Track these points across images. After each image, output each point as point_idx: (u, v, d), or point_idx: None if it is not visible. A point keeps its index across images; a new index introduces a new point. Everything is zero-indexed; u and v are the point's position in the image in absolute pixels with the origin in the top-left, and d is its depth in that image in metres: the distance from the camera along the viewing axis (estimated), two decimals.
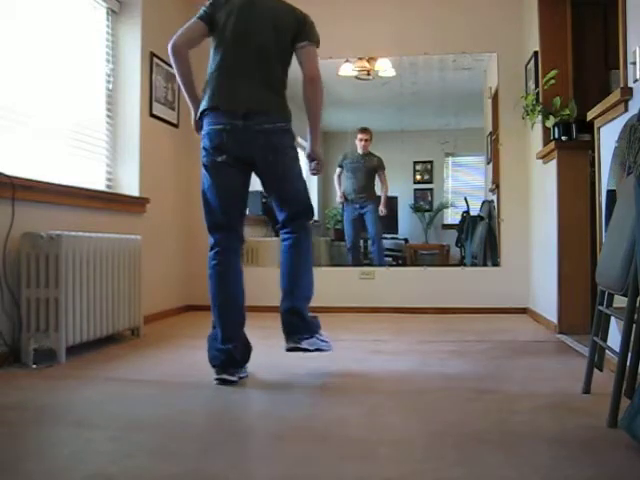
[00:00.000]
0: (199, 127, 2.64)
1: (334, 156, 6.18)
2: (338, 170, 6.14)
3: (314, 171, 2.84)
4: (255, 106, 2.54)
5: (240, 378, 2.53)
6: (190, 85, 2.67)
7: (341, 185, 6.13)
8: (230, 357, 2.49)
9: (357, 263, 5.96)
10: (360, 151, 6.08)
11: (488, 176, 5.78)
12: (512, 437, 1.83)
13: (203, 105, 2.58)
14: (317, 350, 2.63)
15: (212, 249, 2.59)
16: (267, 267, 5.26)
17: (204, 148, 2.57)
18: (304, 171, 2.77)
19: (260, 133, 2.52)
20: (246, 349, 2.59)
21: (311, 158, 2.80)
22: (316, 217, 5.55)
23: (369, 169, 6.10)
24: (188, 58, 2.61)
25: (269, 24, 2.61)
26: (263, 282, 5.02)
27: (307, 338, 2.60)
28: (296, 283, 2.66)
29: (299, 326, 2.62)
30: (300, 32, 2.64)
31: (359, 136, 6.06)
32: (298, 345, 2.60)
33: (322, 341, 2.66)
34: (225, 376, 2.47)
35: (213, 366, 2.52)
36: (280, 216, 2.71)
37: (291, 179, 2.67)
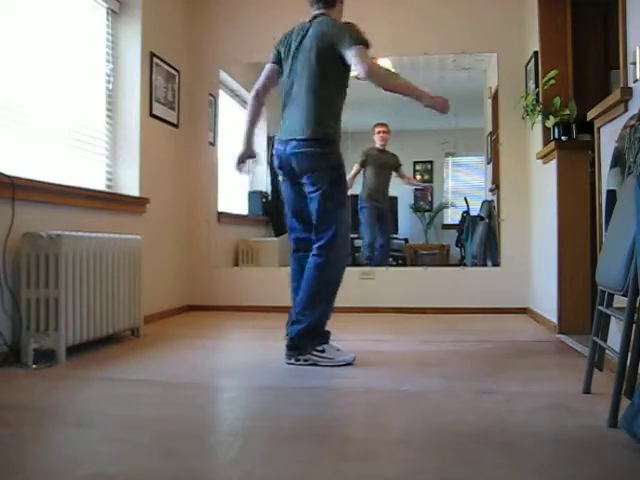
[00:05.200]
0: (240, 162, 3.05)
1: None
2: (356, 167, 5.88)
3: (438, 109, 2.87)
4: (289, 133, 2.82)
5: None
6: (253, 123, 3.06)
7: (364, 183, 5.95)
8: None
9: (370, 262, 5.89)
10: (379, 145, 5.99)
11: (488, 176, 5.78)
12: (512, 437, 1.83)
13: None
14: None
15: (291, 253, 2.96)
16: (267, 267, 5.27)
17: None
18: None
19: (292, 156, 2.81)
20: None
21: (429, 107, 2.86)
22: None
23: (390, 165, 6.04)
24: (264, 101, 3.04)
25: (310, 46, 2.82)
26: (263, 282, 5.05)
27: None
28: (302, 309, 2.84)
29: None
30: (338, 42, 2.80)
31: (377, 129, 5.96)
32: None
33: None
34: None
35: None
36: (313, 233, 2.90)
37: (321, 200, 2.82)
